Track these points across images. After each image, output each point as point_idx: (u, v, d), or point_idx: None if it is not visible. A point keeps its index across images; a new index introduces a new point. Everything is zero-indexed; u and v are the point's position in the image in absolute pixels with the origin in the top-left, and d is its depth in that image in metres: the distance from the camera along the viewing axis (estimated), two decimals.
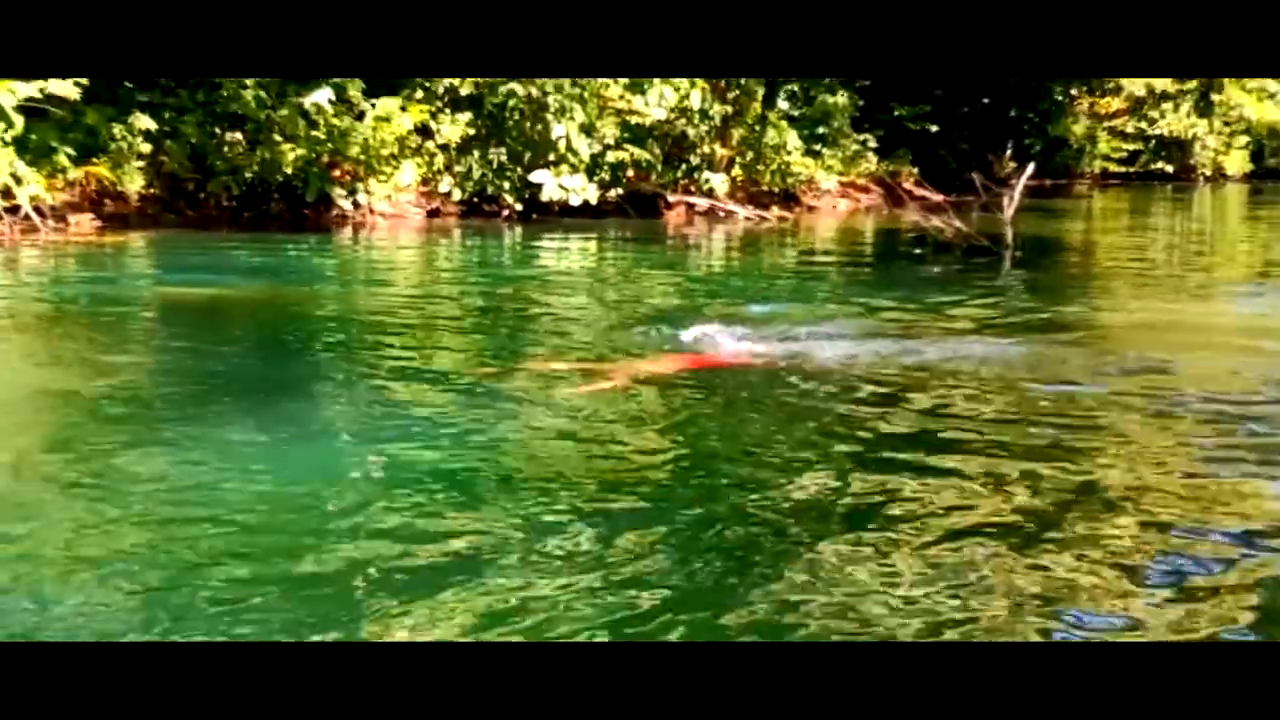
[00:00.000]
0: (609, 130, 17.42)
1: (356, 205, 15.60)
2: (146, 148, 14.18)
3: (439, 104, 16.55)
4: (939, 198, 18.02)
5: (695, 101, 18.23)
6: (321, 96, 14.77)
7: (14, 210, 12.37)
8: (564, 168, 16.20)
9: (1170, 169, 37.99)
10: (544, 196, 16.18)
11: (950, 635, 2.82)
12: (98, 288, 9.20)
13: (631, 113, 18.06)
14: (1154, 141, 38.06)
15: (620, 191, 17.67)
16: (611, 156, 17.37)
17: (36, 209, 12.56)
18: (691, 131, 18.85)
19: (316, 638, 2.77)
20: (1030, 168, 18.46)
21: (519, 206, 16.44)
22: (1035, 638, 2.82)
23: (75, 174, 13.69)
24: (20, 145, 12.52)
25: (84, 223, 13.64)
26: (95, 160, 13.90)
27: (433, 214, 16.53)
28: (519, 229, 15.82)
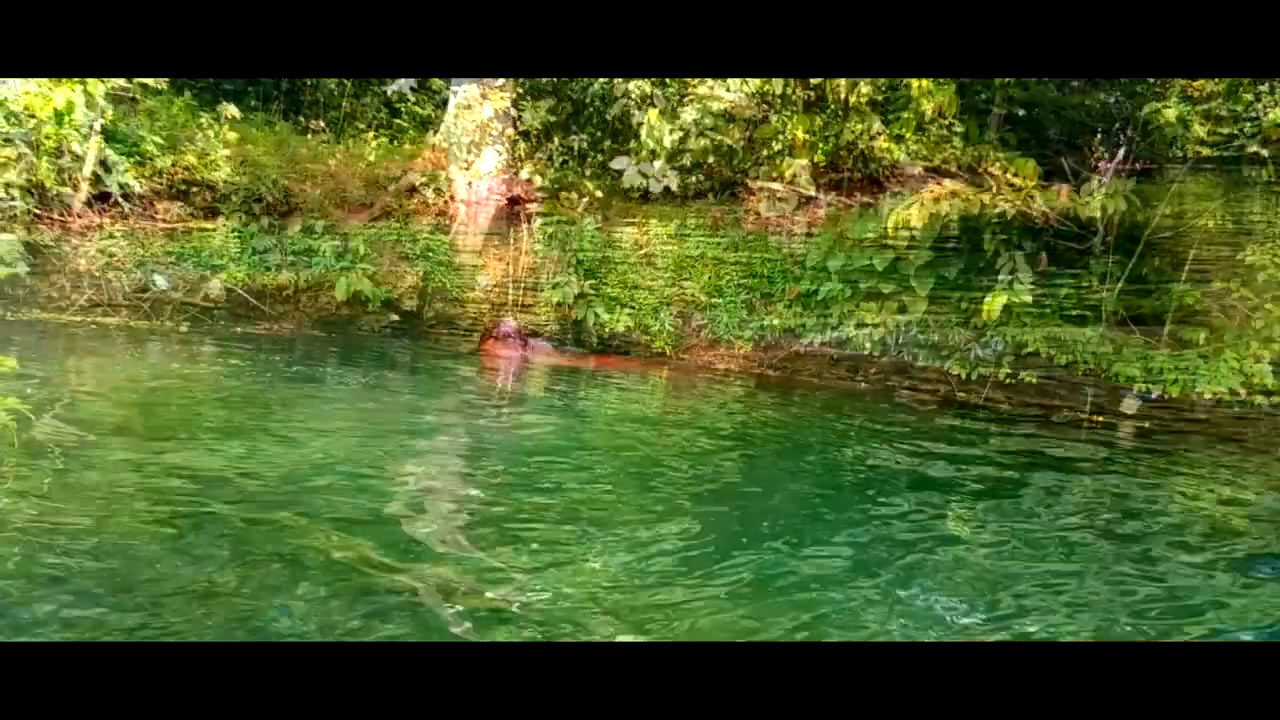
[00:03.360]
0: (690, 116, 17.30)
1: (438, 192, 15.66)
2: (233, 136, 14.39)
3: (519, 91, 16.57)
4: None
5: (777, 86, 18.01)
6: (404, 84, 14.86)
7: (104, 198, 12.58)
8: (644, 154, 16.11)
9: (1266, 153, 36.98)
10: (624, 183, 16.11)
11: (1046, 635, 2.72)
12: (187, 273, 9.30)
13: (713, 98, 17.90)
14: (1250, 124, 37.07)
15: (701, 178, 17.52)
16: (692, 143, 17.24)
17: (125, 196, 12.77)
18: (774, 117, 18.64)
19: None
20: (1121, 152, 18.03)
21: (599, 193, 16.40)
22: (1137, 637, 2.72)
23: (163, 162, 13.91)
24: (109, 134, 12.74)
25: (172, 210, 13.83)
26: (182, 148, 14.11)
27: (513, 201, 16.54)
28: (599, 215, 15.79)
